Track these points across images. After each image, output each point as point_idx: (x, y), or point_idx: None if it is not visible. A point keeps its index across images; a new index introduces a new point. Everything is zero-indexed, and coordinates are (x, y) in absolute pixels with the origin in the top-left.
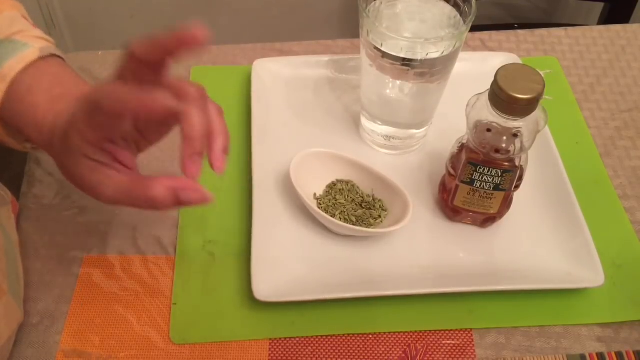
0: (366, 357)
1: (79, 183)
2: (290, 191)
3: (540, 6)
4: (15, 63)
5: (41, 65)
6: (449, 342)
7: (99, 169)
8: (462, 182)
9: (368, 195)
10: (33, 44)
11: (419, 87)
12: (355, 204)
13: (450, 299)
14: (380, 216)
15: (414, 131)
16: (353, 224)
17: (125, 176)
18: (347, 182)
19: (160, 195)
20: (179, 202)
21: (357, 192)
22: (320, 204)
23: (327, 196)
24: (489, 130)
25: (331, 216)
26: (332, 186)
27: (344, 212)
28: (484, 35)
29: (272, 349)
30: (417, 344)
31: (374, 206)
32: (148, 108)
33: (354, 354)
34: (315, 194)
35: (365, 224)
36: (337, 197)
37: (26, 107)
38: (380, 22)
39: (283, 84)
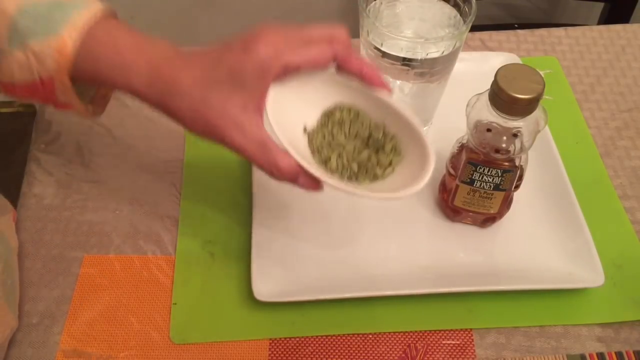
0: (366, 357)
1: (212, 124)
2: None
3: (540, 6)
4: (87, 12)
5: (111, 20)
6: (449, 342)
7: (247, 111)
8: (462, 182)
9: (377, 128)
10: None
11: (419, 87)
12: (360, 141)
13: (450, 298)
14: (391, 163)
15: None
16: (354, 175)
17: (264, 132)
18: (350, 110)
19: (286, 169)
20: (294, 183)
21: (363, 124)
22: (312, 142)
23: (321, 130)
24: (489, 130)
25: (325, 161)
26: (329, 114)
27: (342, 155)
28: (484, 35)
29: (272, 349)
30: (417, 344)
31: (383, 147)
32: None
33: (354, 354)
34: (305, 127)
35: (369, 175)
36: (335, 131)
37: (110, 50)
38: (380, 22)
39: None
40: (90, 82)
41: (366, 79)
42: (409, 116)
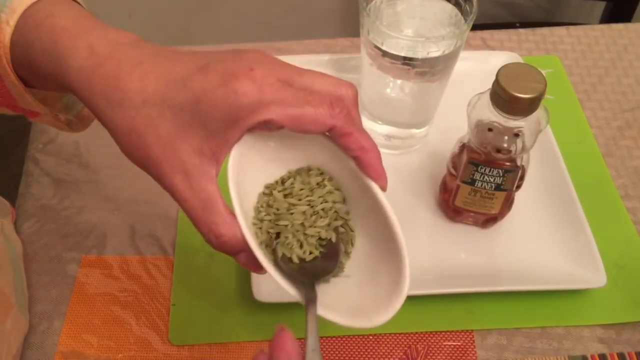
0: (367, 359)
1: (153, 157)
2: None
3: (542, 5)
4: None
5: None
6: (450, 343)
7: (201, 156)
8: (463, 182)
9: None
10: None
11: (420, 86)
12: (320, 212)
13: (451, 299)
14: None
15: (415, 131)
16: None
17: (213, 188)
18: (319, 170)
19: (226, 239)
20: (234, 257)
21: (325, 189)
22: (256, 222)
23: (267, 205)
24: (490, 129)
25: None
26: (285, 179)
27: (291, 237)
28: (485, 34)
29: None
30: (418, 345)
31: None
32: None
33: (354, 355)
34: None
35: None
36: (288, 199)
37: (45, 33)
38: (380, 21)
39: None
40: (31, 79)
41: (362, 165)
42: (394, 222)
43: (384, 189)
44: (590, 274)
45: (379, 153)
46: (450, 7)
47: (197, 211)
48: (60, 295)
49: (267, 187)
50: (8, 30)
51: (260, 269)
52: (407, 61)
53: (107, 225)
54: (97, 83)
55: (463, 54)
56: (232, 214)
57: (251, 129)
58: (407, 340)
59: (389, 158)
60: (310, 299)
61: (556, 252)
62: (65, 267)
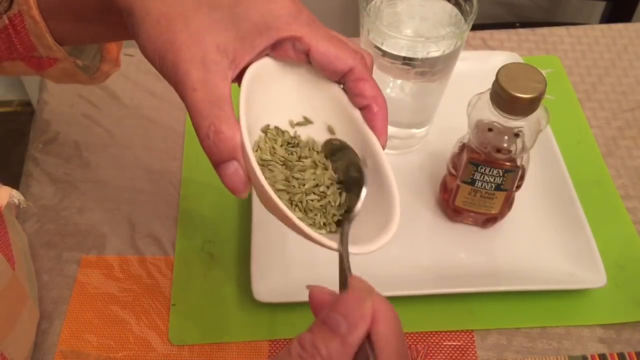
0: None
1: (175, 42)
2: None
3: (542, 5)
4: None
5: None
6: (450, 343)
7: (222, 55)
8: (463, 182)
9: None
10: None
11: (420, 86)
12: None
13: (451, 299)
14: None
15: (415, 130)
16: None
17: (225, 90)
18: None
19: (225, 138)
20: (222, 166)
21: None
22: (261, 148)
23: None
24: (490, 129)
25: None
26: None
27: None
28: (485, 34)
29: (272, 350)
30: (418, 345)
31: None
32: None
33: None
34: (288, 123)
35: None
36: (299, 151)
37: None
38: (380, 21)
39: None
40: (57, 6)
41: (370, 115)
42: (387, 170)
43: (383, 146)
44: (590, 274)
45: (387, 111)
46: (450, 7)
47: (203, 103)
48: (60, 295)
49: (263, 130)
50: None
51: (246, 186)
52: (407, 61)
53: (107, 225)
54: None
55: (463, 54)
56: (237, 120)
57: (278, 45)
58: (407, 340)
59: (389, 158)
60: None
61: (556, 252)
62: (65, 267)
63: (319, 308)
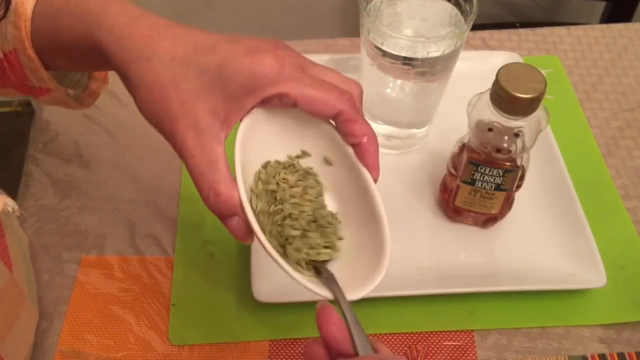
0: None
1: (170, 110)
2: None
3: (542, 5)
4: None
5: None
6: (450, 343)
7: (214, 118)
8: (463, 182)
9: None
10: None
11: (420, 86)
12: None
13: (451, 299)
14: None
15: (415, 131)
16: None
17: (220, 150)
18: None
19: (224, 198)
20: (225, 220)
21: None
22: (253, 189)
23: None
24: (490, 129)
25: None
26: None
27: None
28: (485, 34)
29: (272, 350)
30: (418, 345)
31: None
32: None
33: None
34: (287, 158)
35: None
36: (280, 191)
37: (73, 0)
38: (380, 21)
39: None
40: (52, 48)
41: (362, 152)
42: (380, 210)
43: (375, 180)
44: (590, 274)
45: (378, 145)
46: (450, 7)
47: (202, 167)
48: (60, 295)
49: (263, 165)
50: (31, 3)
51: (248, 235)
52: (407, 61)
53: (107, 225)
54: (128, 39)
55: (463, 54)
56: (233, 178)
57: (266, 101)
58: (407, 340)
59: (389, 158)
60: (329, 276)
61: (556, 252)
62: (65, 267)
63: (327, 340)
